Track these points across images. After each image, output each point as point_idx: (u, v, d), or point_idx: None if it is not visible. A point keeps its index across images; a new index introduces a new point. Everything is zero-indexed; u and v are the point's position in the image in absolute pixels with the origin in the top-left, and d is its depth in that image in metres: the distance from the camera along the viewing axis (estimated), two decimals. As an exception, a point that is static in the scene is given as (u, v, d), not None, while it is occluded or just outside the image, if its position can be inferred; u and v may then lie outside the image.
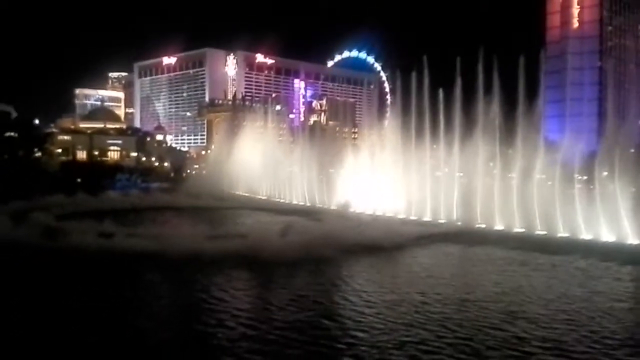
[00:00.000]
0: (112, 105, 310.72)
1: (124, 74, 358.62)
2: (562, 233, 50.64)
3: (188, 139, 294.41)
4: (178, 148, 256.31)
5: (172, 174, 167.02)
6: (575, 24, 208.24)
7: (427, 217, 63.84)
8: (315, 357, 21.11)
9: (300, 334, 23.20)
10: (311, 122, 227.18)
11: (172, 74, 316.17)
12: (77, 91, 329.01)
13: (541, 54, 65.39)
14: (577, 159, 57.95)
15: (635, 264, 39.51)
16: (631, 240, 46.15)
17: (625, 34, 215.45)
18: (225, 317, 25.77)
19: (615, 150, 51.19)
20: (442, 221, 60.67)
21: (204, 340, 22.79)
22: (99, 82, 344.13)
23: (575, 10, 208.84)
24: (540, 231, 52.34)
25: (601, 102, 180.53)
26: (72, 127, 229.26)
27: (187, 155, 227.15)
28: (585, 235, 48.81)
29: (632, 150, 53.81)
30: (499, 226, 55.92)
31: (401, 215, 65.12)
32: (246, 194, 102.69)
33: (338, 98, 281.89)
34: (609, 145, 53.28)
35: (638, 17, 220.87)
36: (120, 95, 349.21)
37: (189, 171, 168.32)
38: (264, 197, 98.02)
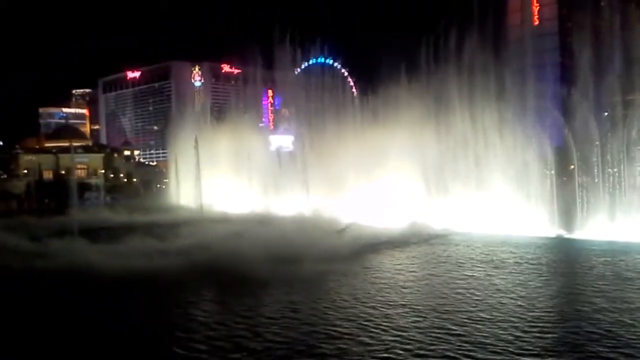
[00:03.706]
0: (77, 123, 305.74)
1: (87, 90, 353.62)
2: None
3: (157, 153, 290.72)
4: (147, 162, 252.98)
5: (141, 190, 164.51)
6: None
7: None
8: None
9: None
10: (281, 129, 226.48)
11: (136, 88, 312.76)
12: (41, 110, 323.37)
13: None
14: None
15: None
16: None
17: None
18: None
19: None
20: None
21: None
22: (63, 99, 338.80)
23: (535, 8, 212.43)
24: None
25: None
26: (37, 146, 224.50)
27: (156, 169, 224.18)
28: None
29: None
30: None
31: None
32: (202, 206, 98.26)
33: (306, 104, 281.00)
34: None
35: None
36: (85, 112, 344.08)
37: (158, 185, 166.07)
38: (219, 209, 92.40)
